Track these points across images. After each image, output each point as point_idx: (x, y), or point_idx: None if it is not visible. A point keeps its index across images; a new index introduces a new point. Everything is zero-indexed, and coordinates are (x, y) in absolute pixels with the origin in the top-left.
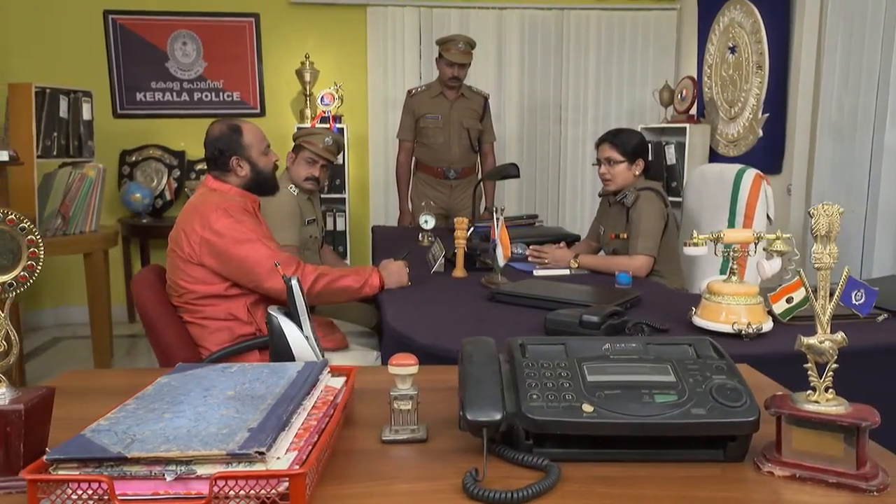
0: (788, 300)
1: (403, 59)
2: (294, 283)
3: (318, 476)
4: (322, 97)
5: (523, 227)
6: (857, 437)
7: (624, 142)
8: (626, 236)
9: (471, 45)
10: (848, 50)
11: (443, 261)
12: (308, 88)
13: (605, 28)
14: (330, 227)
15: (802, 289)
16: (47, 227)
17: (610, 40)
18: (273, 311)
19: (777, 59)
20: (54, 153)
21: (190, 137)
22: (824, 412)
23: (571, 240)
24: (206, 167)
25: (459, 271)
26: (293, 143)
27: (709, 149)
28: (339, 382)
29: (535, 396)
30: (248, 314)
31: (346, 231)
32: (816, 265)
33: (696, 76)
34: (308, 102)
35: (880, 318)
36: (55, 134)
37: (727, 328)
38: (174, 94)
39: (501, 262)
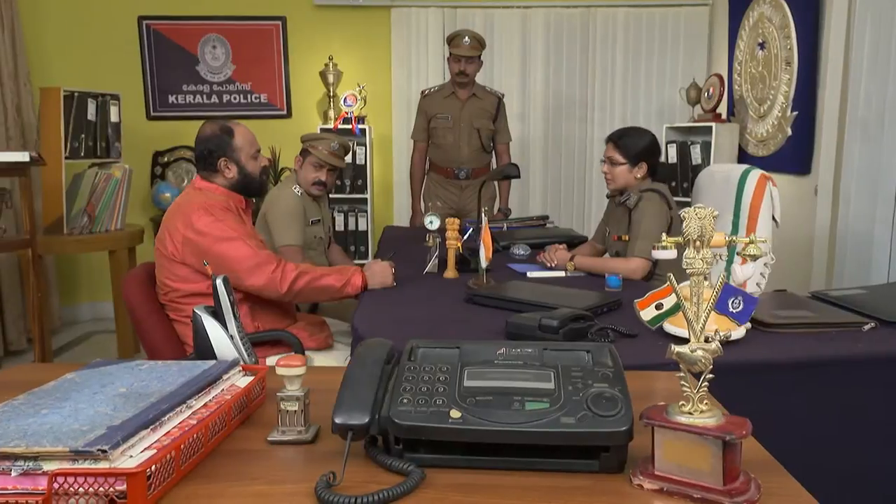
0: (658, 306)
1: (427, 59)
2: (219, 282)
3: (178, 475)
4: (345, 98)
5: (533, 227)
6: (724, 451)
7: (627, 144)
8: (628, 238)
9: (478, 40)
10: (876, 44)
11: (436, 261)
12: (332, 90)
13: (633, 25)
14: (351, 227)
15: (673, 295)
16: (74, 226)
17: (638, 38)
18: (199, 309)
19: (806, 55)
20: (82, 154)
21: None
22: (691, 424)
23: (578, 241)
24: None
25: (451, 272)
26: (300, 147)
27: (737, 149)
28: (248, 382)
29: (405, 401)
30: None
31: (367, 231)
32: (689, 270)
33: (727, 74)
34: (332, 104)
35: (866, 328)
36: (83, 136)
37: None
38: (204, 96)
39: (483, 263)
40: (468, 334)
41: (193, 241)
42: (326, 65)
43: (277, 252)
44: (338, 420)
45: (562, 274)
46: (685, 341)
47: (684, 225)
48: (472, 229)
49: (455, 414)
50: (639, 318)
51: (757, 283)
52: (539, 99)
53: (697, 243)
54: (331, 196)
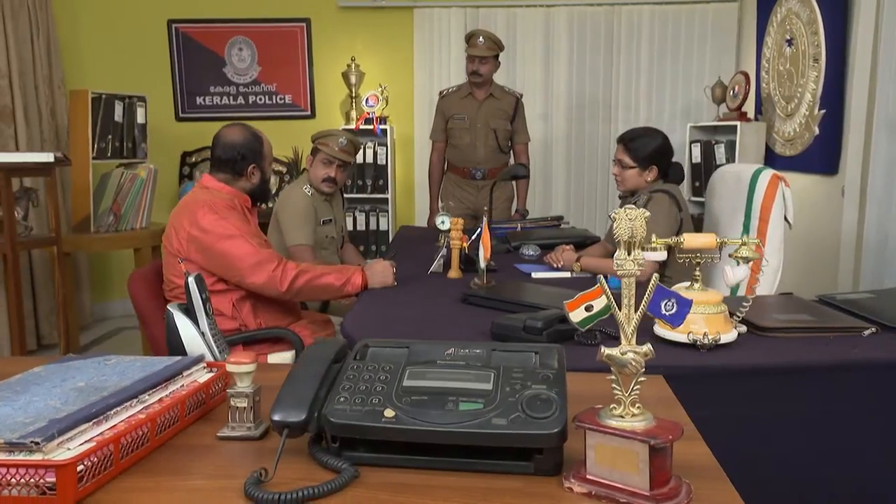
0: (588, 308)
1: (449, 59)
2: (191, 280)
3: (117, 468)
4: (367, 99)
5: (547, 228)
6: (651, 456)
7: (638, 147)
8: None
9: (494, 40)
10: None
11: (441, 261)
12: (354, 90)
13: (658, 23)
14: (373, 226)
15: (603, 297)
16: (100, 224)
17: (664, 36)
18: (172, 307)
19: (834, 51)
20: (109, 155)
21: None
22: (619, 428)
23: (591, 242)
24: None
25: (454, 272)
26: (311, 145)
27: (764, 148)
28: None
29: (342, 399)
30: (233, 310)
31: (388, 231)
32: (620, 272)
33: (754, 71)
34: (353, 104)
35: (866, 333)
36: (110, 136)
37: (684, 338)
38: (231, 97)
39: (482, 263)
40: (458, 335)
41: (198, 238)
42: (349, 66)
43: (288, 252)
44: (275, 417)
45: (567, 275)
46: (678, 344)
47: (614, 226)
48: (481, 229)
49: (389, 413)
50: (568, 319)
51: (753, 286)
52: (562, 98)
53: (628, 244)
54: (352, 196)
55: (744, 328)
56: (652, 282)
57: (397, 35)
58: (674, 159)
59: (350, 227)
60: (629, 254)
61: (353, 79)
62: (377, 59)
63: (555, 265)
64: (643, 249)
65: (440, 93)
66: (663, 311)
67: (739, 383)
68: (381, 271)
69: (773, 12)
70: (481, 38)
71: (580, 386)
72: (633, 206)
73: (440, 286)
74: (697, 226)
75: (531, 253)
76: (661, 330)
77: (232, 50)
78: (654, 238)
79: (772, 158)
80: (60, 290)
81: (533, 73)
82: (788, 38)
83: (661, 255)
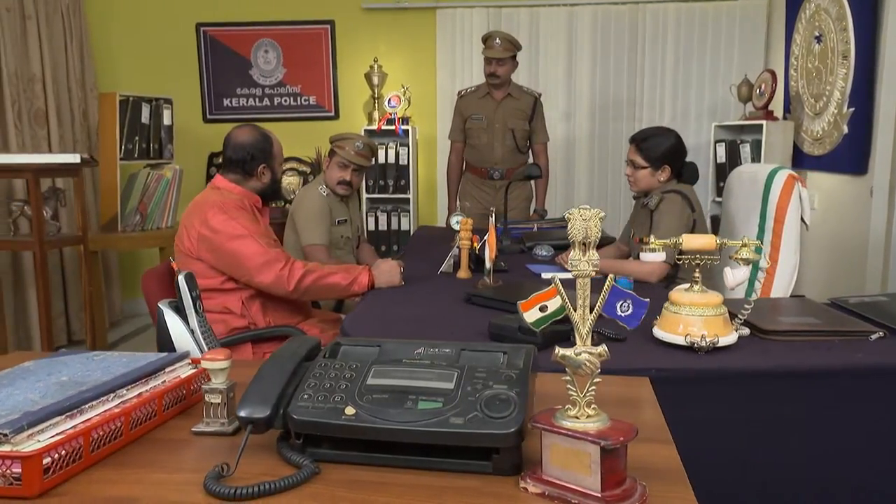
0: (542, 308)
1: (472, 59)
2: (181, 278)
3: (87, 460)
4: (389, 100)
5: (564, 228)
6: (603, 457)
7: (649, 147)
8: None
9: (511, 41)
10: None
11: (451, 261)
12: (376, 91)
13: (684, 21)
14: (394, 226)
15: (558, 297)
16: (127, 223)
17: (690, 33)
18: (162, 304)
19: (863, 48)
20: (136, 156)
21: None
22: (572, 429)
23: (607, 243)
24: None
25: (464, 272)
26: (329, 147)
27: (792, 147)
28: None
29: (306, 397)
30: (242, 308)
31: (410, 231)
32: (574, 273)
33: (783, 69)
34: (376, 105)
35: (873, 337)
36: (137, 138)
37: (681, 340)
38: (256, 99)
39: (487, 263)
40: (457, 334)
41: (208, 238)
42: (371, 67)
43: (303, 251)
44: (240, 413)
45: None
46: (678, 347)
47: (569, 226)
48: (501, 230)
49: (349, 411)
50: (522, 320)
51: (753, 288)
52: (585, 98)
53: (582, 245)
54: (373, 196)
55: (746, 331)
56: (607, 283)
57: (420, 35)
58: (695, 159)
59: (371, 226)
60: (584, 254)
61: (375, 79)
62: (400, 60)
63: (566, 266)
64: (642, 251)
65: (459, 93)
66: (619, 312)
67: (736, 386)
68: (387, 271)
69: (801, 8)
70: (498, 40)
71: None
72: (646, 206)
73: (447, 286)
74: (716, 227)
75: (544, 253)
76: (658, 331)
77: (258, 52)
78: (652, 239)
79: (800, 158)
80: (87, 288)
81: (556, 72)
82: (817, 34)
83: (660, 256)
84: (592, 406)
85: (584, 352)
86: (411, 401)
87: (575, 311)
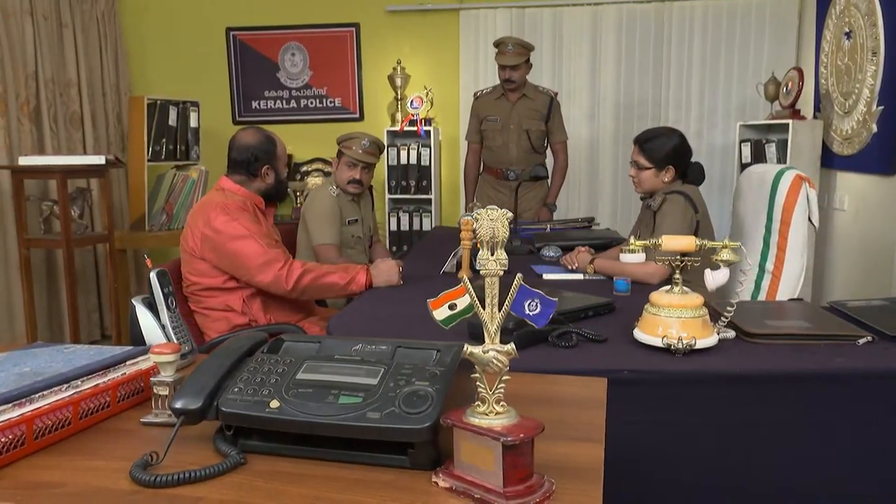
0: (451, 307)
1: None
2: (153, 275)
3: (31, 447)
4: (411, 101)
5: (577, 229)
6: (505, 453)
7: (653, 148)
8: None
9: (523, 45)
10: None
11: (454, 262)
12: (399, 93)
13: (712, 18)
14: (416, 227)
15: (466, 296)
16: (154, 223)
17: (717, 31)
18: (135, 300)
19: (892, 44)
20: (163, 157)
21: (297, 141)
22: (478, 425)
23: (616, 244)
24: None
25: (465, 272)
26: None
27: (821, 147)
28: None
29: (236, 390)
30: (243, 306)
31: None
32: (483, 272)
33: (814, 67)
34: (399, 106)
35: (861, 341)
36: (164, 140)
37: (658, 342)
38: (283, 101)
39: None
40: (440, 334)
41: (210, 238)
42: (395, 68)
43: (314, 251)
44: (174, 405)
45: (580, 277)
46: (656, 349)
47: (476, 226)
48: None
49: (274, 404)
50: (432, 317)
51: (735, 291)
52: (609, 98)
53: (491, 245)
54: (395, 196)
55: (731, 333)
56: (515, 281)
57: (443, 36)
58: (721, 159)
59: (394, 227)
60: (492, 254)
61: (398, 81)
62: (423, 62)
63: (570, 267)
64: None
65: (475, 94)
66: (527, 311)
67: (714, 389)
68: (386, 270)
69: (832, 4)
70: (510, 46)
71: (547, 388)
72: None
73: (447, 286)
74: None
75: (551, 254)
76: (638, 333)
77: (285, 55)
78: (632, 240)
79: (829, 158)
80: (112, 285)
81: (579, 72)
82: (847, 30)
83: (640, 258)
84: (501, 403)
85: (491, 349)
86: (333, 395)
87: (484, 309)
